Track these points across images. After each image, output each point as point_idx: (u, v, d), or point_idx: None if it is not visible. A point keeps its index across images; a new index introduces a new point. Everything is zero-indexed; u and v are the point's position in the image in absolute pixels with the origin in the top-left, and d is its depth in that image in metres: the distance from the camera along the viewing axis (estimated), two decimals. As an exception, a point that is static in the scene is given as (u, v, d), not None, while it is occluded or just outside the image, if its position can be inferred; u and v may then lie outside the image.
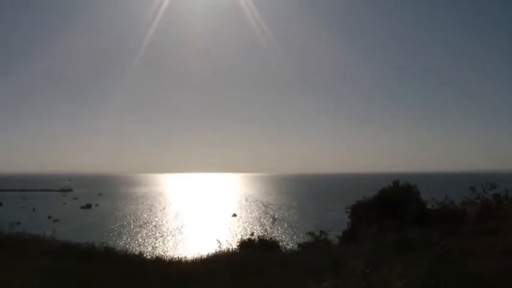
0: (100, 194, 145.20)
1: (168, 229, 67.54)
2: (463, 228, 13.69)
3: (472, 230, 13.15)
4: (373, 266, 7.04)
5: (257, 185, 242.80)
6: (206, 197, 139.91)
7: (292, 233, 54.93)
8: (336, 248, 13.72)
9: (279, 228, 54.49)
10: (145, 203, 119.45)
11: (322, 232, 14.11)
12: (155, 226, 71.18)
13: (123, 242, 49.27)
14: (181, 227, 69.57)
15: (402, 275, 6.13)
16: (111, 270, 8.70)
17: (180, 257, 12.04)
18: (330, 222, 18.60)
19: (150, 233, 63.34)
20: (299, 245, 15.90)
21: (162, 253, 16.91)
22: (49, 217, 77.91)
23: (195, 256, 11.84)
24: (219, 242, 12.42)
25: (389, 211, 18.00)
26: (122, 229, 67.02)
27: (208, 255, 11.65)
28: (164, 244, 54.00)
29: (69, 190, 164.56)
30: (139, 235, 61.42)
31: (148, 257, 12.04)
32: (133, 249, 16.31)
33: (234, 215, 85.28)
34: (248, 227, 64.12)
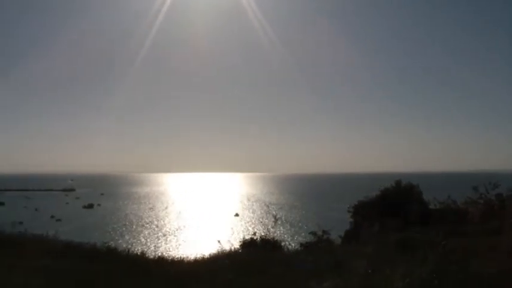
0: (102, 194, 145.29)
1: (170, 229, 67.59)
2: (466, 228, 13.68)
3: (475, 229, 13.14)
4: (375, 266, 7.03)
5: (259, 184, 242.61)
6: (208, 197, 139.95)
7: (294, 232, 54.90)
8: (338, 247, 13.70)
9: (281, 228, 54.40)
10: (147, 202, 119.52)
11: (324, 232, 14.07)
12: (157, 226, 71.24)
13: (126, 242, 49.25)
14: (184, 226, 69.69)
15: (405, 275, 6.11)
16: (113, 270, 8.70)
17: (182, 256, 12.08)
18: (332, 222, 18.59)
19: (152, 233, 63.39)
20: (301, 244, 15.89)
21: (165, 253, 16.93)
22: (51, 217, 78.00)
23: (197, 256, 11.86)
24: (219, 242, 12.41)
25: (392, 211, 17.99)
26: (124, 229, 67.08)
27: (210, 255, 11.67)
28: (166, 244, 54.04)
29: (72, 190, 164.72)
30: (142, 235, 61.49)
31: (151, 256, 12.07)
32: (136, 249, 16.29)
33: (237, 215, 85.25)
34: (250, 226, 64.05)
